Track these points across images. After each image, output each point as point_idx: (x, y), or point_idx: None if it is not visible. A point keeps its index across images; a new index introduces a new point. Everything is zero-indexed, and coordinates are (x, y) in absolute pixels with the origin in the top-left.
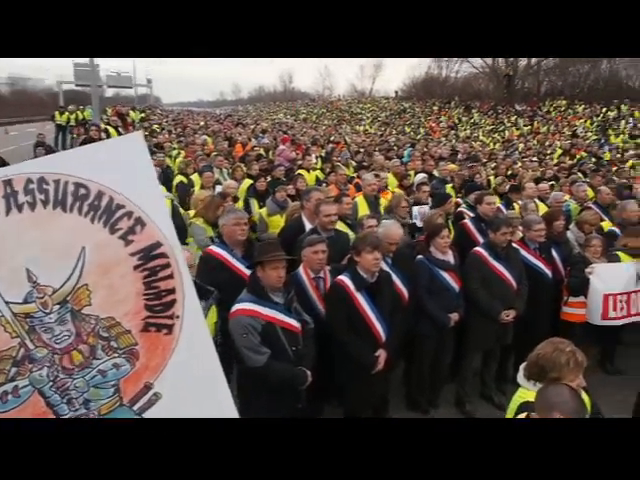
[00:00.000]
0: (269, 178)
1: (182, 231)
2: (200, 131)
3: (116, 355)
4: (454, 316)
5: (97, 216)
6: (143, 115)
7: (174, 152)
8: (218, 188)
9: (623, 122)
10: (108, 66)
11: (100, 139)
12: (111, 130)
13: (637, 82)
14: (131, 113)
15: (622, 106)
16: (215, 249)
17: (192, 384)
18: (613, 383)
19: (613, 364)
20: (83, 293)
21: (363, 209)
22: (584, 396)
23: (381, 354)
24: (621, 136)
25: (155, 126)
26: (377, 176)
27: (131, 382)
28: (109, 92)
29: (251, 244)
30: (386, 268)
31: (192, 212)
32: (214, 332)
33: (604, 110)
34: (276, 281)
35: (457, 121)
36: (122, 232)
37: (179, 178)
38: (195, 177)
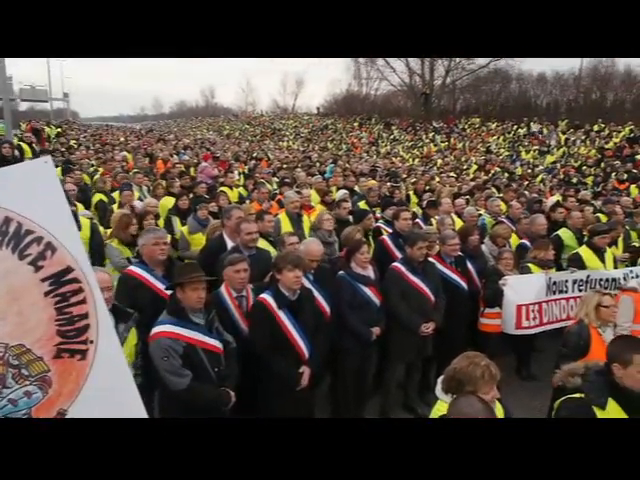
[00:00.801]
0: (191, 195)
1: (102, 251)
2: (119, 147)
3: (27, 383)
4: (376, 330)
5: (5, 242)
6: (59, 130)
7: (91, 169)
8: (137, 205)
9: (532, 139)
10: (21, 78)
11: (13, 156)
12: (24, 147)
13: (544, 100)
14: (46, 129)
15: (531, 123)
16: (134, 269)
17: (108, 409)
18: (529, 389)
19: (529, 371)
20: None
21: (286, 226)
22: (498, 406)
23: (305, 371)
24: (531, 152)
25: (72, 142)
26: (299, 193)
27: (43, 410)
28: (23, 106)
29: (172, 263)
30: (308, 285)
31: (109, 232)
32: (134, 355)
33: (515, 127)
34: (196, 302)
35: (377, 137)
36: (32, 258)
37: (98, 196)
38: (116, 195)
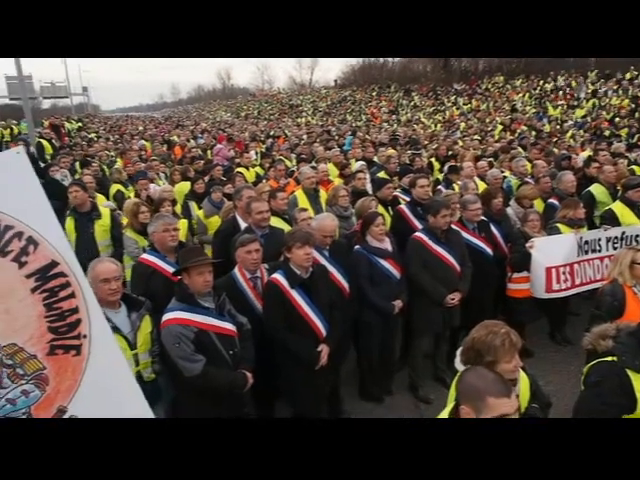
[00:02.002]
0: (207, 179)
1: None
2: (138, 136)
3: (24, 382)
4: (397, 303)
5: None
6: (80, 124)
7: (111, 160)
8: (153, 191)
9: (560, 93)
10: (41, 77)
11: (29, 154)
12: (45, 143)
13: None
14: (66, 124)
15: (559, 77)
16: (147, 257)
17: (108, 402)
18: (564, 354)
19: (563, 335)
20: None
21: (303, 203)
22: (523, 376)
23: (323, 349)
24: (559, 107)
25: (92, 134)
26: (314, 168)
27: (43, 408)
28: (46, 104)
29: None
30: (323, 261)
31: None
32: (150, 342)
33: (541, 83)
34: (203, 286)
35: (397, 105)
36: (14, 254)
37: (115, 187)
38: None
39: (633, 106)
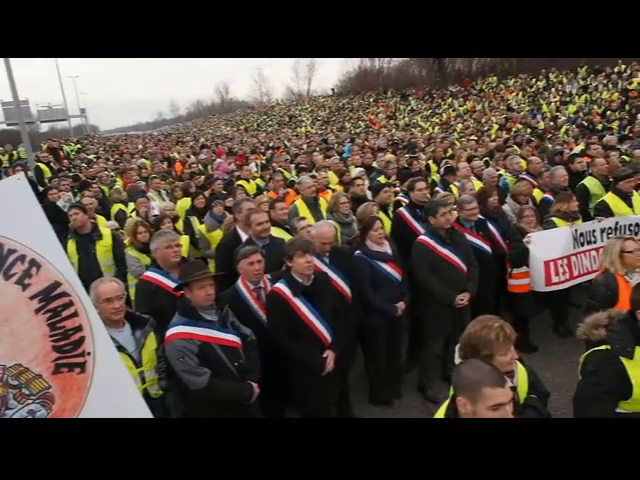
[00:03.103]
0: (208, 193)
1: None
2: (137, 155)
3: (30, 402)
4: (400, 305)
5: None
6: (79, 146)
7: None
8: (155, 209)
9: (553, 90)
10: (38, 100)
11: (27, 178)
12: (43, 167)
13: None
14: (65, 147)
15: (550, 75)
16: (150, 274)
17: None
18: (567, 345)
19: (566, 327)
20: None
21: (303, 212)
22: (520, 368)
23: (329, 355)
24: (552, 104)
25: (91, 156)
26: (314, 177)
27: None
28: (44, 127)
29: None
30: (324, 268)
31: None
32: (156, 359)
33: (534, 81)
34: (205, 300)
35: (395, 110)
36: (17, 277)
37: (117, 207)
38: (132, 204)
39: (623, 99)
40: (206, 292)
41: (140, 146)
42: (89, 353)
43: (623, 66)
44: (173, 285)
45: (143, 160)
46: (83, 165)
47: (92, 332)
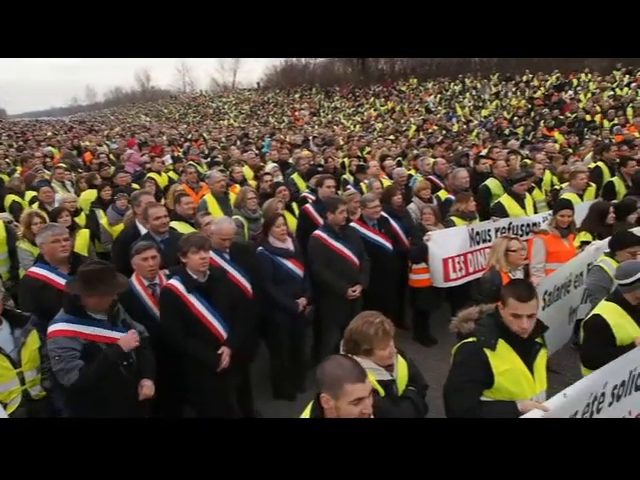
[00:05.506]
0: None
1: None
2: (44, 142)
3: None
4: (302, 301)
5: None
6: None
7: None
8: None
9: (468, 94)
10: None
11: None
12: None
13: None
14: None
15: (466, 79)
16: (36, 270)
17: None
18: None
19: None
20: None
21: (213, 206)
22: (400, 360)
23: (224, 351)
24: (466, 108)
25: None
26: (223, 171)
27: None
28: None
29: (77, 259)
30: (223, 264)
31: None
32: (39, 359)
33: (451, 84)
34: (100, 307)
35: (319, 107)
36: None
37: (11, 197)
38: (29, 194)
39: (529, 106)
40: (105, 302)
41: (49, 133)
42: None
43: (530, 75)
44: (62, 281)
45: (50, 148)
46: None
47: None
